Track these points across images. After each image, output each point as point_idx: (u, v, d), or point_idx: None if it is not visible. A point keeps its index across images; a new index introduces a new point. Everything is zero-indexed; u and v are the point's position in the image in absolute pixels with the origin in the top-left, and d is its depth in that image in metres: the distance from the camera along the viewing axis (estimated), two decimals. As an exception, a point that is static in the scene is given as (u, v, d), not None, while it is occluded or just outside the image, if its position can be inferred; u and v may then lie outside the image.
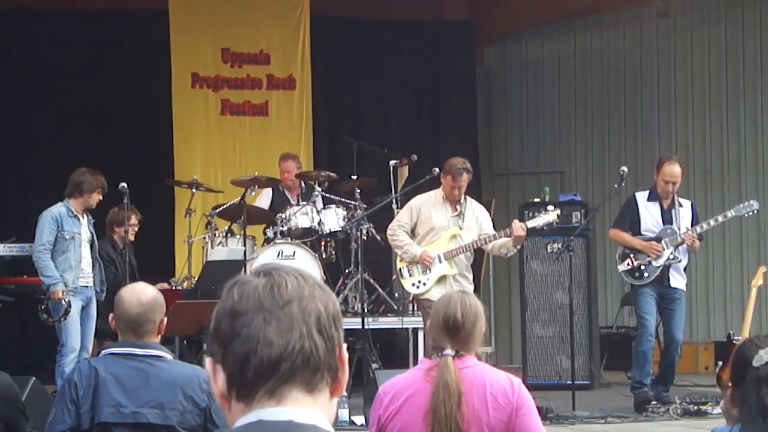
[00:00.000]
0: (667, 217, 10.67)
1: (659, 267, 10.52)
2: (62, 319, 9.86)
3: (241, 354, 1.92)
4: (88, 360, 5.09)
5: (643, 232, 10.67)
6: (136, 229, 11.57)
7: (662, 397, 10.42)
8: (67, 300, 9.89)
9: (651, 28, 15.36)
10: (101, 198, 10.28)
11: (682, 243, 10.55)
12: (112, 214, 11.37)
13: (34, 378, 9.06)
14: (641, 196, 10.81)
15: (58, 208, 10.11)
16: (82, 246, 10.18)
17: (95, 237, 10.39)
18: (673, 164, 10.62)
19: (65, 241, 10.03)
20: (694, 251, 10.94)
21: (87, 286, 10.21)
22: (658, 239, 10.57)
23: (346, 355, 1.98)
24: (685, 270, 10.79)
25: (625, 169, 10.92)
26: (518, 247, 10.40)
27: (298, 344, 1.92)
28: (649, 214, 10.68)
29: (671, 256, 10.54)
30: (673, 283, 10.62)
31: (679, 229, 10.58)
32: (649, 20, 15.37)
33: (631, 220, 10.77)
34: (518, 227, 10.04)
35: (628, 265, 10.62)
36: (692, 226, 10.65)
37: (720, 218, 10.84)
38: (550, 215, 10.59)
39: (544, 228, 11.11)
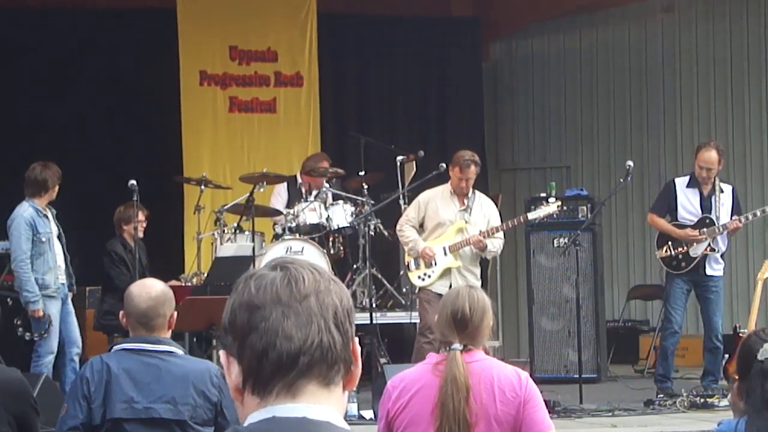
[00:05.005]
0: (706, 204, 10.50)
1: (696, 257, 10.43)
2: (44, 334, 9.59)
3: (259, 348, 1.91)
4: (100, 356, 5.12)
5: (680, 219, 10.54)
6: (144, 225, 11.51)
7: (712, 387, 10.27)
8: (47, 315, 9.63)
9: (656, 22, 15.39)
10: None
11: (720, 234, 10.39)
12: (119, 212, 11.25)
13: (45, 374, 9.13)
14: (680, 182, 10.68)
15: (28, 211, 9.80)
16: (54, 243, 9.94)
17: (61, 229, 10.11)
18: (710, 150, 10.42)
19: (42, 243, 9.76)
20: (734, 236, 10.79)
21: (63, 283, 9.98)
22: (696, 227, 10.45)
23: (358, 348, 2.00)
24: (722, 256, 10.66)
25: (630, 163, 10.92)
26: (487, 250, 10.42)
27: (317, 338, 1.92)
28: (688, 201, 10.53)
29: (709, 247, 10.42)
30: (709, 272, 10.50)
31: (717, 218, 10.42)
32: (654, 15, 15.40)
33: (669, 206, 10.65)
34: (475, 239, 10.19)
35: (666, 251, 10.55)
36: (733, 211, 10.49)
37: (758, 213, 10.58)
38: (551, 207, 10.71)
39: (545, 219, 11.20)
